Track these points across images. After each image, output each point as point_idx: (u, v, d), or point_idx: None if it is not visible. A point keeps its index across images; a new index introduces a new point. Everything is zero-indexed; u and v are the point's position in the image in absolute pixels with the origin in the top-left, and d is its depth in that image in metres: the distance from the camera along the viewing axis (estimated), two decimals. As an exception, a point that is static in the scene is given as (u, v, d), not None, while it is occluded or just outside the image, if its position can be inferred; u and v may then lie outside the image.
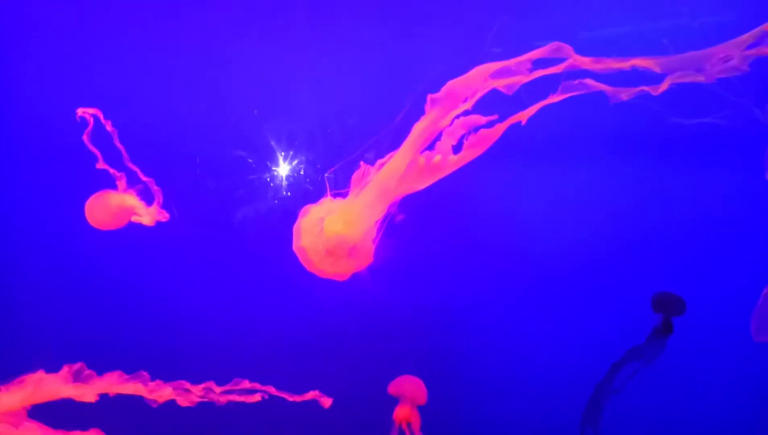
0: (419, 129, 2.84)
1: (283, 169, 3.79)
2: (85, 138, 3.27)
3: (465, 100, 2.82)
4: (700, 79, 2.65)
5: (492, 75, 2.79)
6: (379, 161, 2.94)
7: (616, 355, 3.26)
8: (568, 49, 2.74)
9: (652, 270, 3.70)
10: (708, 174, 3.60)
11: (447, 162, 2.87)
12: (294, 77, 3.77)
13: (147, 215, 3.36)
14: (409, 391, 3.44)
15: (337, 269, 3.06)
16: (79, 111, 3.27)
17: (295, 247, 3.12)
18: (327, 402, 3.26)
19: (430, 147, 2.89)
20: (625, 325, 3.49)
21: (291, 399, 3.21)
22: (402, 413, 3.41)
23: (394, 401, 3.44)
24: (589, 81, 2.75)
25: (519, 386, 3.81)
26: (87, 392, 3.25)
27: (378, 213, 2.97)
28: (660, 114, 3.10)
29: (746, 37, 2.55)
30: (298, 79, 3.76)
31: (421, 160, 2.87)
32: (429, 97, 2.81)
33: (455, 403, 3.76)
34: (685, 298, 3.26)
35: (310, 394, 3.25)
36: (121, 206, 3.34)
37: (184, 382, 3.28)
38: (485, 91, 2.80)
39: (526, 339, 3.80)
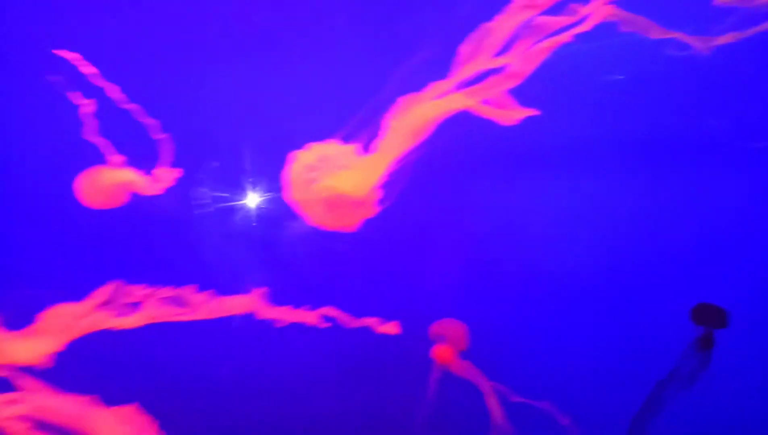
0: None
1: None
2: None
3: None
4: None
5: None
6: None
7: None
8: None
9: (684, 279, 3.37)
10: (735, 178, 3.31)
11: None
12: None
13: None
14: (451, 333, 3.27)
15: (340, 222, 3.02)
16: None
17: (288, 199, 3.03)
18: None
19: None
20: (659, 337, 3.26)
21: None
22: (440, 353, 3.24)
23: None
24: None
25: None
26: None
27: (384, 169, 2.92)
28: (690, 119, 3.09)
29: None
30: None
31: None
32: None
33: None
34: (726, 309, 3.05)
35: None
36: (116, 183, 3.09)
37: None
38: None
39: (543, 350, 3.48)
